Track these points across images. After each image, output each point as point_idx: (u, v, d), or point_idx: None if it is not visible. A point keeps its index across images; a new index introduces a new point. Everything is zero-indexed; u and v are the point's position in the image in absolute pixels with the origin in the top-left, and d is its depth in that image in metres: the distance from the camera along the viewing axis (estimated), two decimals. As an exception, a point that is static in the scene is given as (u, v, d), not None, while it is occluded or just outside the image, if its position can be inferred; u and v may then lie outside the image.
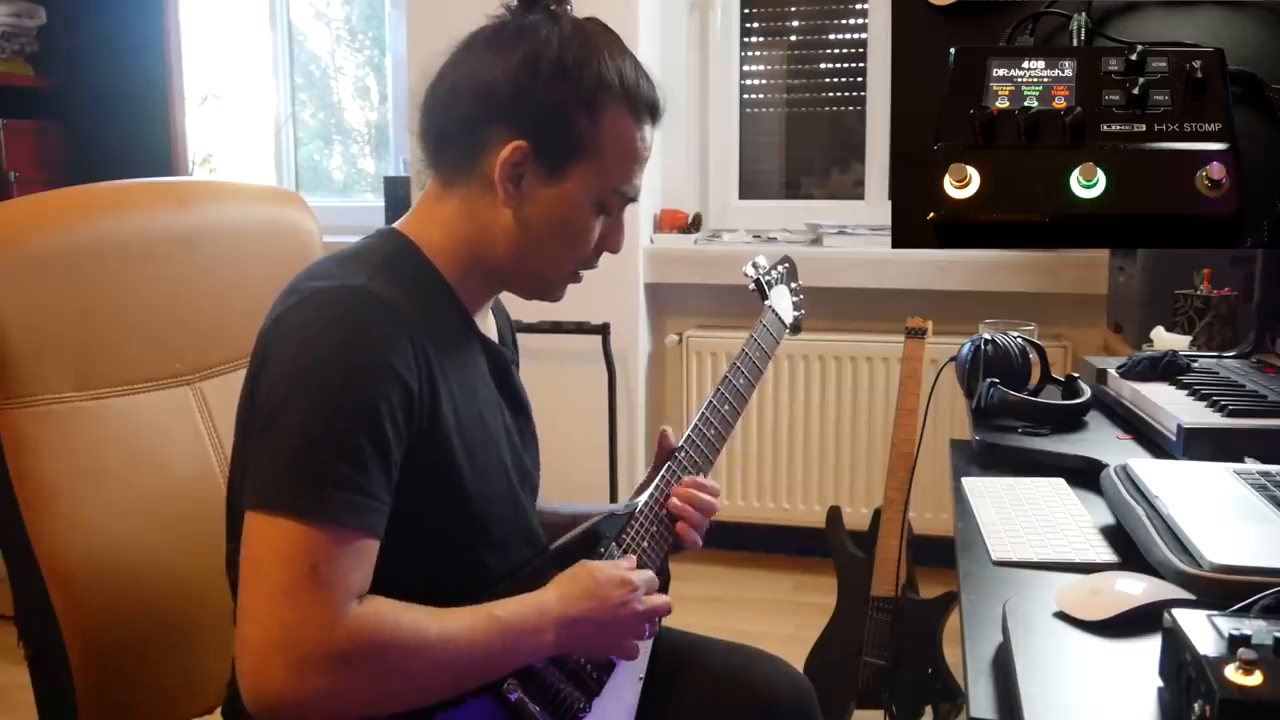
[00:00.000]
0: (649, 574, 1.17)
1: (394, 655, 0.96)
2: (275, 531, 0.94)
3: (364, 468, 0.96)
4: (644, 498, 1.25)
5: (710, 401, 1.33)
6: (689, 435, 1.31)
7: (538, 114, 1.05)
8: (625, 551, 1.21)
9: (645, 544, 1.23)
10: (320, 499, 0.94)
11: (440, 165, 1.11)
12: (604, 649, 1.14)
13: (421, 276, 1.09)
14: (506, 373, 1.19)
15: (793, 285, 1.56)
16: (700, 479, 1.28)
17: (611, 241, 1.14)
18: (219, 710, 1.18)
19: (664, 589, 1.28)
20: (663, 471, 1.27)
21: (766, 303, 1.47)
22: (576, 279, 1.16)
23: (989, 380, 1.46)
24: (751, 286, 1.49)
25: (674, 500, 1.26)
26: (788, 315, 1.51)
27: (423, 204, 1.13)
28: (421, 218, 1.13)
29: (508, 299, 1.23)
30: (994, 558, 1.03)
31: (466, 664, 1.02)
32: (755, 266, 1.50)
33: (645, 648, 1.22)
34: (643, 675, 1.24)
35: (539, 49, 1.05)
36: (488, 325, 1.19)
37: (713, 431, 1.32)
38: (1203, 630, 0.70)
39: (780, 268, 1.55)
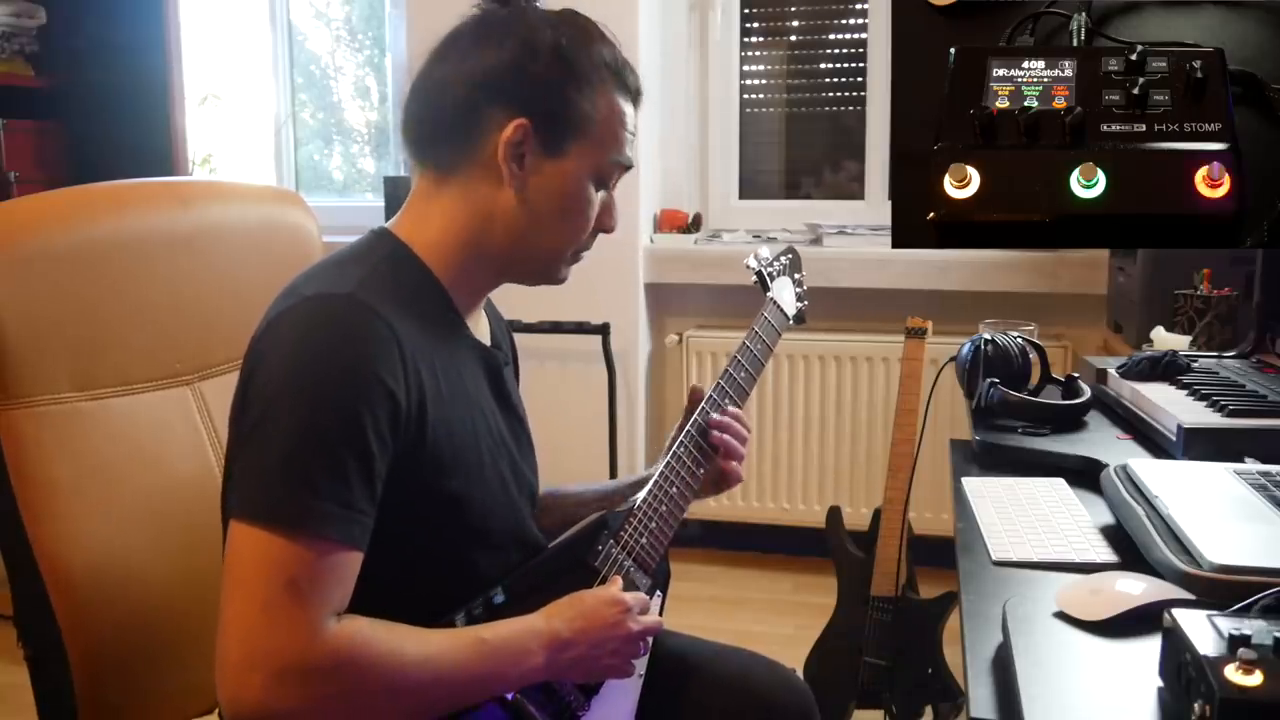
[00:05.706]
0: (642, 595, 1.17)
1: (371, 673, 0.96)
2: (256, 542, 0.94)
3: (346, 480, 0.96)
4: (642, 494, 1.25)
5: (710, 395, 1.32)
6: (688, 429, 1.30)
7: (538, 94, 1.07)
8: (623, 548, 1.21)
9: (644, 540, 1.22)
10: (301, 511, 0.94)
11: (436, 157, 1.11)
12: (598, 670, 1.13)
13: (414, 280, 1.09)
14: (499, 376, 1.18)
15: (796, 276, 1.53)
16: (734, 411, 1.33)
17: (607, 219, 1.16)
18: (218, 710, 1.18)
19: (664, 586, 1.28)
20: (661, 467, 1.27)
21: (769, 295, 1.45)
22: (577, 259, 1.17)
23: (989, 380, 1.46)
24: (753, 279, 1.48)
25: (714, 434, 1.30)
26: (790, 308, 1.48)
27: (414, 203, 1.13)
28: (415, 217, 1.12)
29: (508, 295, 1.23)
30: (994, 558, 1.03)
31: (448, 685, 1.02)
32: (757, 258, 1.47)
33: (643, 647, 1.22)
34: (642, 674, 1.24)
35: (533, 34, 1.08)
36: (480, 328, 1.19)
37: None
38: (1203, 630, 0.70)
39: (783, 259, 1.52)
